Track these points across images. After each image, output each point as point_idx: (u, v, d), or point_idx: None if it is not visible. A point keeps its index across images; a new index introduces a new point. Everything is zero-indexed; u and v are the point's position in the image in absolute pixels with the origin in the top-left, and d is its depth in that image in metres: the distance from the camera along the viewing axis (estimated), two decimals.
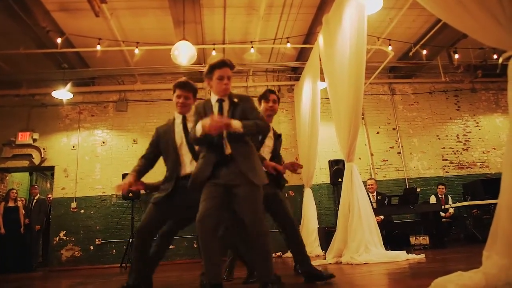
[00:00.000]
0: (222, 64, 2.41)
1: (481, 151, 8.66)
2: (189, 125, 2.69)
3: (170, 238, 2.86)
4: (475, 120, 8.88)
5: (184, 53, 5.69)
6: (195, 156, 2.64)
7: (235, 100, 2.43)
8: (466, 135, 8.75)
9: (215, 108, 2.41)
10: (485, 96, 9.13)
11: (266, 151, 3.03)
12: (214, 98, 2.47)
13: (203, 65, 7.26)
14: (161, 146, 2.81)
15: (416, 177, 8.31)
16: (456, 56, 7.28)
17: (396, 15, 6.40)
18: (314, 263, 3.43)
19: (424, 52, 7.25)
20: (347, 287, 2.52)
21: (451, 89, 9.01)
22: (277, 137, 3.20)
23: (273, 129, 3.16)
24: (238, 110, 2.39)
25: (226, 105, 2.43)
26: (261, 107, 3.14)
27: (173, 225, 2.84)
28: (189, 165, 2.66)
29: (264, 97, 3.15)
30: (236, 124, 2.24)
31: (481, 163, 8.55)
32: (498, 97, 9.13)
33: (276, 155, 3.13)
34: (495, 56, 7.40)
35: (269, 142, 3.07)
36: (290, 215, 3.00)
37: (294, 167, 3.04)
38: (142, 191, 3.03)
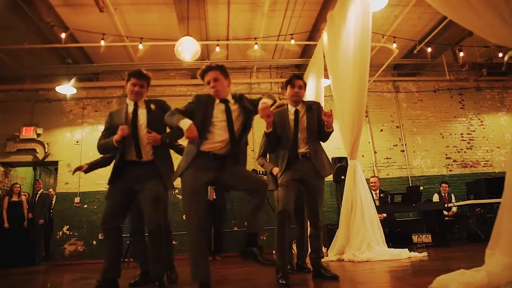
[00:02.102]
0: (206, 69, 2.46)
1: (485, 150, 8.61)
2: (140, 111, 2.79)
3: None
4: (479, 119, 8.82)
5: (188, 49, 5.68)
6: (136, 144, 2.72)
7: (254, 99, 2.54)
8: (470, 134, 8.69)
9: (223, 111, 2.43)
10: (490, 94, 9.06)
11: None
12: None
13: (207, 61, 7.26)
14: (115, 129, 2.80)
15: (419, 175, 8.27)
16: (461, 54, 7.21)
17: (401, 13, 6.36)
18: None
19: (429, 50, 7.21)
20: (349, 284, 2.53)
21: (456, 88, 8.95)
22: (309, 108, 3.00)
23: (303, 102, 3.04)
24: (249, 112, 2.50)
25: (234, 107, 2.47)
26: (287, 92, 3.06)
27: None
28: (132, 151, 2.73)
29: (290, 82, 3.05)
30: None
31: (485, 162, 8.50)
32: (503, 95, 9.07)
33: (314, 126, 2.96)
34: (500, 55, 7.34)
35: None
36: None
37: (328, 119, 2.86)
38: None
